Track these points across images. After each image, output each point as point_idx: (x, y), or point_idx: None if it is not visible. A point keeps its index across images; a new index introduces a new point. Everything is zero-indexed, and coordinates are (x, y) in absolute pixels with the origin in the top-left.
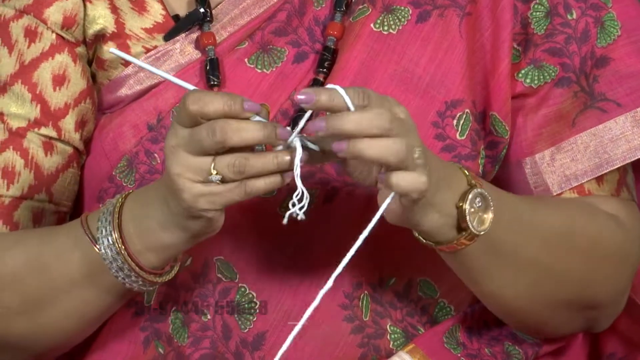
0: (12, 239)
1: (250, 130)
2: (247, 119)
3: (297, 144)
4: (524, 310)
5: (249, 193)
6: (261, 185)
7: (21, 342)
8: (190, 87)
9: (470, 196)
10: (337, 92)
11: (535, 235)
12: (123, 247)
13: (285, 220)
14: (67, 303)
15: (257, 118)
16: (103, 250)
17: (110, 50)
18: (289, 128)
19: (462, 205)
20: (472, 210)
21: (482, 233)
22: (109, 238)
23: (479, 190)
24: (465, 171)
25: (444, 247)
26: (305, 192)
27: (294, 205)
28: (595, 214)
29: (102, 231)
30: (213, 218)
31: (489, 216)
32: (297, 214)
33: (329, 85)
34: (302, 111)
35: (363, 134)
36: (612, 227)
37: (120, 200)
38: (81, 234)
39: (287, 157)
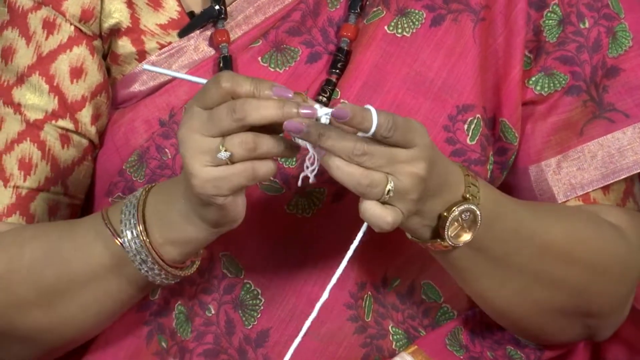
0: (31, 232)
1: (269, 107)
2: None
3: (321, 112)
4: (514, 314)
5: (256, 176)
6: (269, 167)
7: (35, 335)
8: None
9: (457, 210)
10: (370, 115)
11: (531, 246)
12: (147, 239)
13: (299, 183)
14: (85, 296)
15: None
16: (127, 244)
17: (144, 67)
18: (317, 105)
19: (445, 215)
20: (455, 223)
21: (454, 245)
22: (133, 231)
23: (469, 206)
24: (470, 179)
25: (421, 244)
26: (316, 156)
27: (307, 167)
28: (600, 225)
29: (125, 224)
30: (225, 205)
31: (467, 234)
32: (309, 177)
33: (367, 106)
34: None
35: (335, 154)
36: (615, 239)
37: (143, 193)
38: (102, 227)
39: (299, 145)
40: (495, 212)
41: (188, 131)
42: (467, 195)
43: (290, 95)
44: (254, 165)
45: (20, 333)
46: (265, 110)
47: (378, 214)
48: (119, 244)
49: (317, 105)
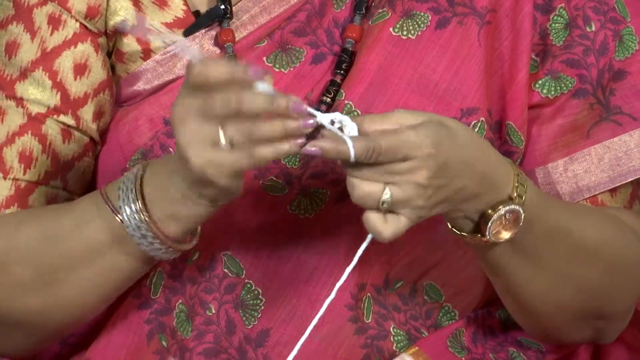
0: (27, 213)
1: (260, 101)
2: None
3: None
4: (535, 312)
5: (257, 159)
6: (269, 151)
7: (35, 319)
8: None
9: (502, 210)
10: (346, 147)
11: (564, 245)
12: (147, 214)
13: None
14: (84, 274)
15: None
16: (126, 219)
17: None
18: (306, 106)
19: (490, 213)
20: (498, 222)
21: (494, 241)
22: (132, 206)
23: (514, 207)
24: (519, 179)
25: (459, 237)
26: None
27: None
28: (624, 229)
29: (123, 199)
30: (226, 185)
31: (507, 233)
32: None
33: (344, 137)
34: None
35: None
36: (635, 243)
37: (140, 169)
38: (101, 204)
39: (294, 124)
40: (537, 213)
41: (182, 116)
42: (514, 196)
43: (262, 74)
44: (255, 149)
45: (17, 317)
46: (257, 102)
47: (375, 229)
48: (118, 220)
49: (304, 106)
